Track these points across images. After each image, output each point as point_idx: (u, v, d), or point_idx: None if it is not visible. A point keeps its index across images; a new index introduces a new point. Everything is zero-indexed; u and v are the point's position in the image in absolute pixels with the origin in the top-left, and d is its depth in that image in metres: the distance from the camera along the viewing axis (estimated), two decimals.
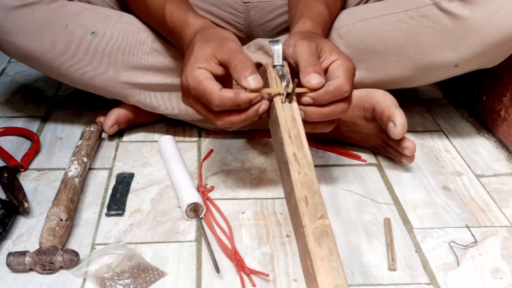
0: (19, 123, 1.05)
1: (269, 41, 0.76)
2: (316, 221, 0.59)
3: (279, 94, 0.71)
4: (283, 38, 0.95)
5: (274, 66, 0.74)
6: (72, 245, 0.74)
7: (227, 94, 0.68)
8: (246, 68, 0.69)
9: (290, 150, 0.66)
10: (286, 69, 0.75)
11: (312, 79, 0.69)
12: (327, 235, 0.58)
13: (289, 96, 0.70)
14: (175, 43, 0.86)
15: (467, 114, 1.10)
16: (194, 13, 0.82)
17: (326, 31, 0.88)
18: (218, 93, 0.68)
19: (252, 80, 0.68)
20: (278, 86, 0.72)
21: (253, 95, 0.69)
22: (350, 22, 0.91)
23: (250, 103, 0.69)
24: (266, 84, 0.75)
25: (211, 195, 0.84)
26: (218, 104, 0.68)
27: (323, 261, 0.56)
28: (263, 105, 0.70)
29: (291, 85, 0.70)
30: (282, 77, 0.72)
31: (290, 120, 0.69)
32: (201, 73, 0.70)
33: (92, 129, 0.95)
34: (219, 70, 0.72)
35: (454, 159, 0.95)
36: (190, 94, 0.72)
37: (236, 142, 0.98)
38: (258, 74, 0.69)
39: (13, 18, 0.87)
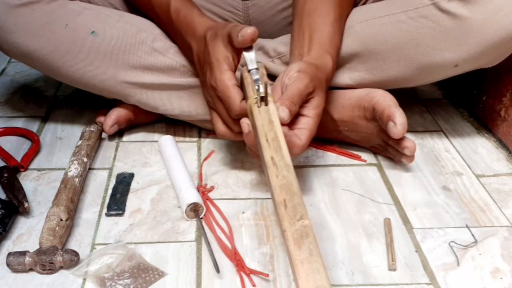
0: (19, 123, 1.05)
1: (243, 49, 0.78)
2: (295, 224, 0.58)
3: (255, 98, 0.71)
4: (284, 38, 0.96)
5: (249, 71, 0.75)
6: (72, 245, 0.74)
7: (245, 106, 0.75)
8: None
9: (268, 154, 0.65)
10: (262, 71, 0.75)
11: (281, 111, 0.72)
12: (307, 236, 0.57)
13: (263, 100, 0.70)
14: (179, 40, 0.87)
15: (467, 114, 1.10)
16: (199, 11, 0.86)
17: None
18: (239, 105, 0.76)
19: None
20: (254, 90, 0.72)
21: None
22: (349, 24, 0.91)
23: None
24: (244, 89, 0.75)
25: (211, 195, 0.84)
26: (237, 114, 0.76)
27: (303, 263, 0.55)
28: None
29: (262, 89, 0.70)
30: (255, 81, 0.72)
31: (267, 123, 0.68)
32: (228, 77, 0.77)
33: (92, 129, 0.95)
34: (236, 61, 0.79)
35: (454, 159, 0.95)
36: (215, 93, 0.78)
37: (236, 142, 0.97)
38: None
39: (13, 17, 0.87)
